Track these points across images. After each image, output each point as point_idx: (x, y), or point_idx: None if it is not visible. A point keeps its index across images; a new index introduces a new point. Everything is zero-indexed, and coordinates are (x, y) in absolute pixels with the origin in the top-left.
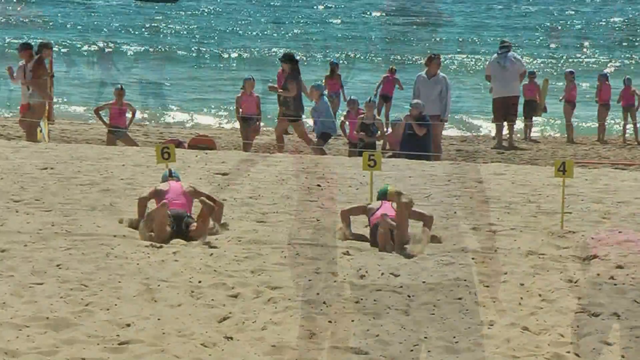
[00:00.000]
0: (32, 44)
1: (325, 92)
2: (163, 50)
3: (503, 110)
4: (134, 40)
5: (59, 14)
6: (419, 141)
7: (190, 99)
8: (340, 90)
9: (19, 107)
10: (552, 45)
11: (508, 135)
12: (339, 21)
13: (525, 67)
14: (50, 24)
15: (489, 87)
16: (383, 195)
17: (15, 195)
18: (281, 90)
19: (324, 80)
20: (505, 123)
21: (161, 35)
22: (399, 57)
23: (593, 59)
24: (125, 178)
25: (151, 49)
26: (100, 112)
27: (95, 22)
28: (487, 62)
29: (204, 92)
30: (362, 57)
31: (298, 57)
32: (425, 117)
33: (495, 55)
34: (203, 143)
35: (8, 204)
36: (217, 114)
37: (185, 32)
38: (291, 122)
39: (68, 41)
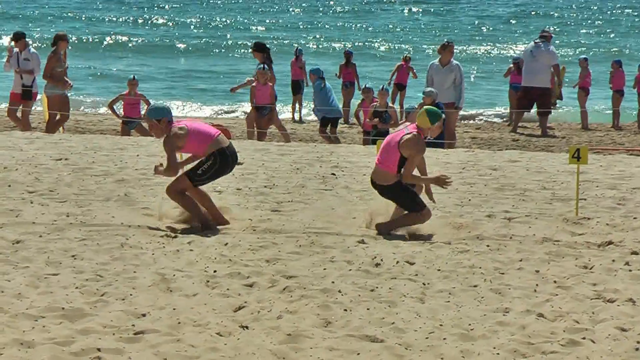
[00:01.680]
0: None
1: (340, 79)
2: (176, 40)
3: (526, 100)
4: (145, 32)
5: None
6: None
7: (203, 89)
8: (355, 79)
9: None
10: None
11: (540, 125)
12: (351, 9)
13: (557, 60)
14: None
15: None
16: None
17: (29, 186)
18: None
19: (339, 69)
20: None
21: (175, 25)
22: (410, 46)
23: (605, 45)
24: (139, 168)
25: (165, 40)
26: (114, 104)
27: (105, 13)
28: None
29: (219, 83)
30: (375, 46)
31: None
32: (439, 105)
33: (532, 43)
34: None
35: (23, 195)
36: (231, 103)
37: (196, 22)
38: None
39: (77, 32)
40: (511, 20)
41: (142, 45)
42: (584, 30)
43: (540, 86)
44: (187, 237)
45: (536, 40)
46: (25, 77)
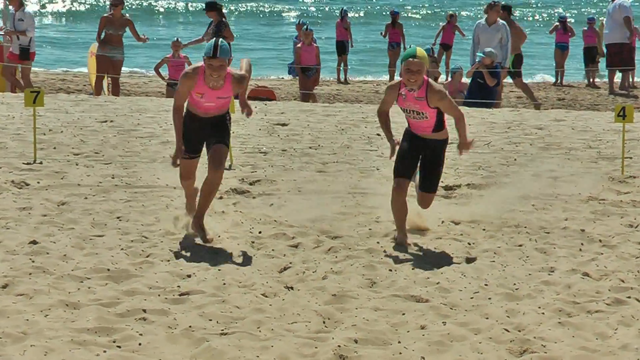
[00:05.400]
0: None
1: (385, 38)
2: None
3: (609, 58)
4: None
5: None
6: (487, 90)
7: (248, 49)
8: (401, 39)
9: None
10: None
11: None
12: None
13: (628, 13)
14: None
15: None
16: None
17: (75, 148)
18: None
19: (385, 29)
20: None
21: None
22: (455, 7)
23: None
24: None
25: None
26: (160, 67)
27: None
28: None
29: (264, 43)
30: (420, 6)
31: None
32: (497, 66)
33: (611, 1)
34: (263, 94)
35: (68, 157)
36: (276, 65)
37: None
38: None
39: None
40: None
41: (184, 10)
42: None
43: (613, 42)
44: (232, 199)
45: None
46: (21, 37)
